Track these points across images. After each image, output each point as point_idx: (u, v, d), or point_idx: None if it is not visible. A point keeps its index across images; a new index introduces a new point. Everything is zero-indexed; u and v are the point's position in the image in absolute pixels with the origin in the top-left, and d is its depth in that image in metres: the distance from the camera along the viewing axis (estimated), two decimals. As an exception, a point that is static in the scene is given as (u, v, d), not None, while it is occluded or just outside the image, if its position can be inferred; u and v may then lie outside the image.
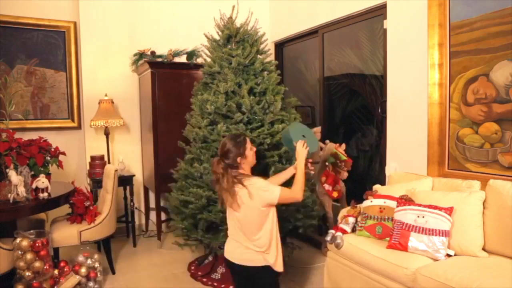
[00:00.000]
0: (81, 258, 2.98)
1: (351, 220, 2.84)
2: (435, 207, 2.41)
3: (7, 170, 2.85)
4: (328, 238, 2.78)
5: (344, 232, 2.79)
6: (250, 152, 2.19)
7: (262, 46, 3.16)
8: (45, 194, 2.95)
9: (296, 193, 2.14)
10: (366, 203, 2.82)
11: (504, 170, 2.55)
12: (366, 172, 4.04)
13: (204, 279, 3.20)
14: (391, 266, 2.35)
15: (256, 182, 2.07)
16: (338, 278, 2.78)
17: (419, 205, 2.49)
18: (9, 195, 2.82)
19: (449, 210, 2.38)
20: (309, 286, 3.14)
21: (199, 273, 3.30)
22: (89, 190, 3.40)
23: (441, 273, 2.11)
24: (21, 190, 2.84)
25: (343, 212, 2.98)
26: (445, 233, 2.33)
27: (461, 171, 2.80)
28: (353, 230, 2.82)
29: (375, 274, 2.49)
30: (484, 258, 2.29)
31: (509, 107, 2.51)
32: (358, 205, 2.91)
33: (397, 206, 2.58)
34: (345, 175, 3.67)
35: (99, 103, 4.16)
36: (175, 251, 3.80)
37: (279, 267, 2.15)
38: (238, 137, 2.19)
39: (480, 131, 2.69)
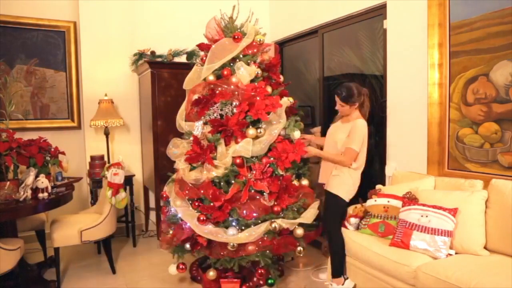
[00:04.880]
0: None
1: (353, 220, 2.86)
2: (440, 207, 2.42)
3: (29, 169, 2.93)
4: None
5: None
6: None
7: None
8: (45, 194, 2.95)
9: None
10: (370, 202, 2.84)
11: (504, 170, 2.55)
12: (366, 172, 4.03)
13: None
14: (393, 264, 2.37)
15: None
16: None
17: (424, 204, 2.50)
18: (19, 194, 2.85)
19: (453, 211, 2.38)
20: (310, 286, 3.14)
21: (201, 275, 3.16)
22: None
23: (442, 271, 2.12)
24: (29, 191, 2.87)
25: (349, 210, 2.99)
26: (448, 233, 2.34)
27: (461, 171, 2.80)
28: (358, 228, 2.85)
29: (377, 271, 2.51)
30: (485, 256, 2.30)
31: (509, 107, 2.52)
32: (361, 204, 2.92)
33: (403, 206, 2.60)
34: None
35: (99, 103, 4.16)
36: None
37: None
38: None
39: (480, 131, 2.70)
